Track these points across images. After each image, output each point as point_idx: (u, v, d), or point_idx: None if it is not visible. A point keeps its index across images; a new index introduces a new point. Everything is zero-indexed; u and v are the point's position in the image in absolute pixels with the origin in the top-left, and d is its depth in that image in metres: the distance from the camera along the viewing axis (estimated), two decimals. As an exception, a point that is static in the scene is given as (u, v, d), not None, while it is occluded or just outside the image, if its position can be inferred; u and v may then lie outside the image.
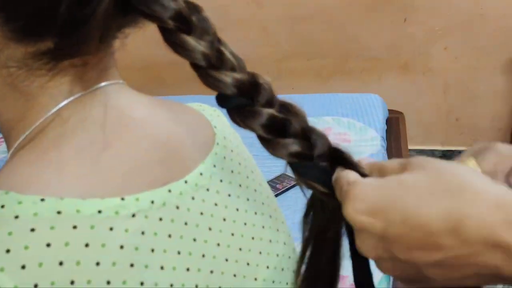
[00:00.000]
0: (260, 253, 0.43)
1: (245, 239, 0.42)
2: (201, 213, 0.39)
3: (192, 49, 0.35)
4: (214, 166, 0.43)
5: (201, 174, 0.41)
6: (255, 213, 0.44)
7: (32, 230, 0.31)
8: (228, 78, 0.36)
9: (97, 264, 0.32)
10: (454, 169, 0.31)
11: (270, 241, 0.45)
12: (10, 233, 0.31)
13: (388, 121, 1.99)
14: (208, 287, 0.37)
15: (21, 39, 0.34)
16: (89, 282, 0.32)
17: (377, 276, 1.04)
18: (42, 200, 0.32)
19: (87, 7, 0.32)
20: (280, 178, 1.43)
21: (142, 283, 0.33)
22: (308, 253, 0.42)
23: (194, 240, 0.38)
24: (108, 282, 0.32)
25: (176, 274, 0.36)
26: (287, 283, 0.45)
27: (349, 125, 1.72)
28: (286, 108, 0.38)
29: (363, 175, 0.36)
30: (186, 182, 0.39)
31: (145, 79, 2.74)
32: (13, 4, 0.33)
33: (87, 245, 0.32)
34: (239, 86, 0.36)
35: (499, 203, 0.28)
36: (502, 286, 0.37)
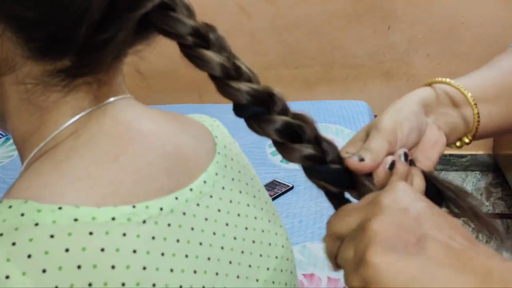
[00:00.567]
0: (261, 255, 0.46)
1: (246, 243, 0.45)
2: (206, 219, 0.42)
3: (211, 61, 0.38)
4: (216, 174, 0.45)
5: (204, 182, 0.44)
6: (255, 217, 0.47)
7: (52, 236, 0.33)
8: (245, 87, 0.39)
9: (113, 267, 0.35)
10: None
11: (270, 244, 0.47)
12: (31, 240, 0.33)
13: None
14: (215, 280, 0.40)
15: (40, 58, 0.37)
16: (105, 284, 0.34)
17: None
18: (60, 208, 0.35)
19: (106, 31, 0.35)
20: (271, 184, 1.45)
21: (154, 285, 0.36)
22: None
23: (200, 244, 0.41)
24: (123, 284, 0.35)
25: (184, 276, 0.38)
26: (285, 284, 0.48)
27: (337, 131, 1.76)
28: (299, 117, 0.40)
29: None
30: (191, 190, 0.42)
31: (133, 85, 2.75)
32: (35, 24, 0.35)
33: (102, 249, 0.35)
34: (255, 95, 0.39)
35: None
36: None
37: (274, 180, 1.47)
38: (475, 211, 0.40)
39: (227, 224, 0.44)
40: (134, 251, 0.36)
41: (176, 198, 0.40)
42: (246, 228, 0.46)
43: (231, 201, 0.45)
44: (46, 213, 0.34)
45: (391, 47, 2.43)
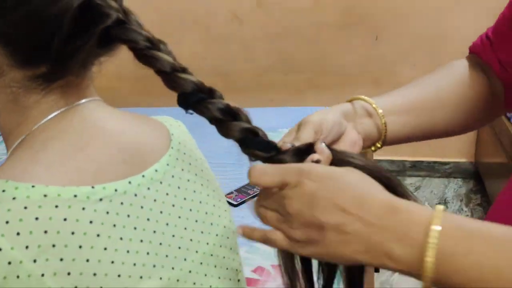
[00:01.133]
0: (202, 232, 0.55)
1: (190, 221, 0.54)
2: (155, 200, 0.52)
3: (162, 59, 0.48)
4: (168, 164, 0.55)
5: (156, 170, 0.53)
6: (200, 202, 0.57)
7: (25, 207, 0.43)
8: (190, 77, 0.48)
9: (72, 233, 0.44)
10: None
11: (212, 224, 0.57)
12: (9, 210, 0.43)
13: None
14: (157, 254, 0.49)
15: (22, 66, 0.46)
16: (66, 246, 0.43)
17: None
18: (33, 186, 0.44)
19: (75, 43, 0.45)
20: (242, 189, 1.52)
21: (105, 248, 0.45)
22: None
23: (148, 220, 0.50)
24: (80, 247, 0.44)
25: (131, 244, 0.48)
26: (223, 257, 0.57)
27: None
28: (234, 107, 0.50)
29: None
30: (143, 176, 0.51)
31: (132, 89, 2.85)
32: (18, 40, 0.45)
33: (65, 219, 0.44)
34: (198, 84, 0.48)
35: (392, 202, 0.41)
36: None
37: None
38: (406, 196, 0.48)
39: (173, 205, 0.53)
40: (91, 222, 0.45)
41: (130, 182, 0.50)
42: (191, 210, 0.55)
43: (179, 187, 0.55)
44: (22, 190, 0.44)
45: (378, 56, 2.52)
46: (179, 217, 0.53)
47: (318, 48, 2.61)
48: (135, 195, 0.50)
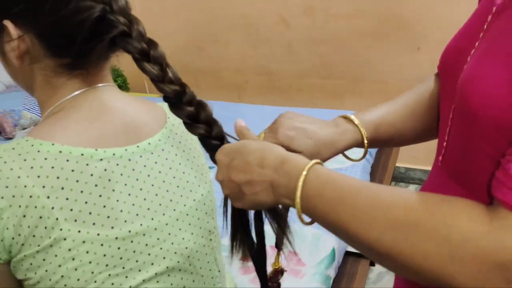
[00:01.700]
0: (181, 196, 0.70)
1: (172, 186, 0.69)
2: (144, 166, 0.67)
3: (148, 71, 0.63)
4: (160, 140, 0.70)
5: (149, 143, 0.68)
6: (183, 172, 0.72)
7: (45, 159, 0.60)
8: (167, 88, 0.63)
9: (77, 181, 0.60)
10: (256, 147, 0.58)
11: (191, 191, 0.72)
12: (34, 159, 0.59)
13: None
14: (141, 207, 0.65)
15: (53, 56, 0.63)
16: (71, 189, 0.60)
17: (327, 250, 1.27)
18: (53, 144, 0.61)
19: (90, 45, 0.61)
20: None
21: (100, 196, 0.61)
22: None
23: (137, 179, 0.66)
24: (81, 191, 0.60)
25: (121, 195, 0.63)
26: (198, 218, 0.72)
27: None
28: (201, 105, 0.64)
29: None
30: (138, 146, 0.67)
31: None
32: (51, 37, 0.62)
33: (72, 170, 0.60)
34: (173, 92, 0.63)
35: (283, 156, 0.54)
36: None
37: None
38: None
39: (159, 172, 0.68)
40: (91, 175, 0.61)
41: (126, 150, 0.65)
42: (174, 177, 0.70)
43: (166, 159, 0.70)
44: (44, 146, 0.60)
45: (417, 65, 2.57)
46: (163, 181, 0.69)
47: (358, 55, 2.70)
48: (129, 159, 0.66)
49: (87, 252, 0.60)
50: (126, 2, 0.65)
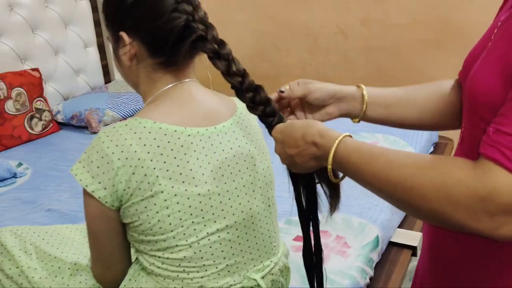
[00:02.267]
0: (247, 168, 0.89)
1: (240, 159, 0.88)
2: (220, 142, 0.86)
3: (219, 66, 0.82)
4: (231, 124, 0.89)
5: (223, 126, 0.88)
6: (249, 150, 0.90)
7: (149, 132, 0.80)
8: (231, 79, 0.81)
9: (171, 150, 0.80)
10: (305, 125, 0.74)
11: (255, 165, 0.90)
12: (141, 132, 0.80)
13: (436, 146, 2.29)
14: (217, 173, 0.84)
15: (151, 56, 0.85)
16: (167, 155, 0.80)
17: (371, 237, 1.41)
18: (154, 122, 0.81)
19: (177, 47, 0.82)
20: None
21: (188, 162, 0.81)
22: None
23: (214, 152, 0.85)
24: (175, 157, 0.80)
25: (203, 162, 0.83)
26: (260, 187, 0.90)
27: (394, 142, 2.07)
28: (257, 90, 0.82)
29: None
30: (215, 128, 0.86)
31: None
32: (151, 43, 0.83)
33: (168, 142, 0.81)
34: (236, 82, 0.81)
35: (320, 132, 0.71)
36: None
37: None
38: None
39: (231, 148, 0.87)
40: (181, 146, 0.81)
41: (206, 129, 0.85)
42: (242, 153, 0.89)
43: (236, 138, 0.89)
44: (148, 123, 0.81)
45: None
46: (233, 156, 0.88)
47: (414, 62, 2.79)
48: (208, 137, 0.85)
49: (177, 203, 0.80)
50: (205, 12, 0.85)
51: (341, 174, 0.73)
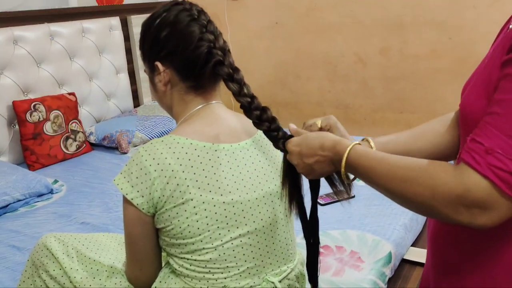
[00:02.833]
0: (267, 181, 0.99)
1: (260, 173, 0.99)
2: (243, 157, 0.98)
3: (231, 88, 0.93)
4: (253, 142, 1.01)
5: (246, 143, 0.99)
6: (268, 165, 1.01)
7: (182, 147, 0.93)
8: (242, 99, 0.92)
9: (200, 162, 0.92)
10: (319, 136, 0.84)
11: (267, 181, 1.00)
12: (175, 147, 0.92)
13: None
14: (240, 183, 0.94)
15: (184, 81, 0.98)
16: (197, 167, 0.91)
17: (384, 252, 1.49)
18: (186, 139, 0.94)
19: (202, 71, 0.94)
20: (330, 194, 1.87)
21: (214, 173, 0.92)
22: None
23: (238, 166, 0.96)
24: (203, 169, 0.92)
25: (226, 174, 0.94)
26: (278, 198, 1.00)
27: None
28: (264, 109, 0.93)
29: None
30: (239, 144, 0.98)
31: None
32: (182, 70, 0.96)
33: (198, 156, 0.92)
34: (246, 102, 0.92)
35: (335, 141, 0.81)
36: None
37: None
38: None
39: (252, 163, 0.98)
40: (209, 159, 0.93)
41: (231, 146, 0.97)
42: (262, 167, 1.00)
43: (257, 155, 1.00)
44: (181, 140, 0.93)
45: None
46: (255, 169, 0.99)
47: (433, 91, 2.88)
48: (233, 152, 0.97)
49: (205, 210, 0.91)
50: (224, 41, 0.99)
51: (352, 176, 0.83)
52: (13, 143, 2.43)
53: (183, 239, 0.93)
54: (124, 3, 3.16)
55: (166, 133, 2.74)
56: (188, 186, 0.91)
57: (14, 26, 2.45)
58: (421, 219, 1.76)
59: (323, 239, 1.56)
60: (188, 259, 0.94)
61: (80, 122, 2.64)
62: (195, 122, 0.98)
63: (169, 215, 0.92)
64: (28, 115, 2.38)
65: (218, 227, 0.93)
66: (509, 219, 0.64)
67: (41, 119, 2.42)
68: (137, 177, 0.92)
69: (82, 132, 2.62)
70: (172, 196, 0.91)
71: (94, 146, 2.69)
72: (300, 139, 0.86)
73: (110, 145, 2.62)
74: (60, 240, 1.16)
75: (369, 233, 1.59)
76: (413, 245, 1.70)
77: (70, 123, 2.56)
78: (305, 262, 0.99)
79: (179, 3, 1.01)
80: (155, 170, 0.91)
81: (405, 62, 2.92)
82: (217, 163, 0.94)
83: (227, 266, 0.94)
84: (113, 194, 2.04)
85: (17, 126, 2.42)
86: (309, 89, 3.31)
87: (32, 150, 2.38)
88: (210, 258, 0.93)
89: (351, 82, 3.14)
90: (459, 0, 2.70)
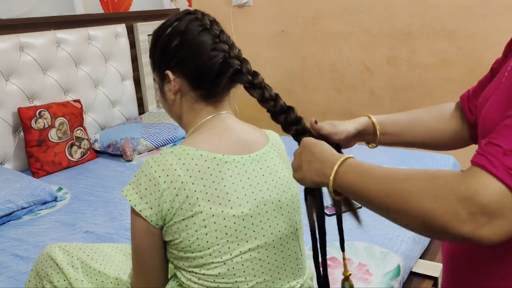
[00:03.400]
0: (277, 193, 0.97)
1: (273, 182, 0.97)
2: (253, 170, 0.95)
3: (254, 94, 0.92)
4: (264, 153, 0.99)
5: (256, 154, 0.97)
6: (284, 175, 0.99)
7: (192, 158, 0.91)
8: (266, 104, 0.91)
9: (211, 174, 0.90)
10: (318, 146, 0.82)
11: (289, 188, 0.99)
12: (185, 158, 0.90)
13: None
14: (253, 192, 0.92)
15: (193, 90, 0.96)
16: (206, 179, 0.89)
17: (392, 265, 1.46)
18: (196, 150, 0.92)
19: (216, 81, 0.93)
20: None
21: (225, 185, 0.90)
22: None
23: (248, 178, 0.94)
24: (213, 181, 0.90)
25: (237, 186, 0.92)
26: (288, 212, 0.98)
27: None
28: (289, 111, 0.91)
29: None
30: (249, 156, 0.96)
31: (273, 122, 3.40)
32: (192, 79, 0.95)
33: (208, 167, 0.90)
34: (270, 106, 0.91)
35: (333, 157, 0.78)
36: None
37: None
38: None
39: (263, 175, 0.96)
40: (220, 171, 0.91)
41: (242, 157, 0.95)
42: (272, 180, 0.97)
43: (268, 166, 0.98)
44: (191, 150, 0.91)
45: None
46: (265, 182, 0.97)
47: (440, 102, 2.84)
48: (243, 164, 0.95)
49: (214, 223, 0.89)
50: (239, 50, 0.98)
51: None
52: (18, 150, 2.42)
53: (192, 253, 0.91)
54: (130, 10, 3.16)
55: (171, 141, 2.75)
56: (197, 198, 0.89)
57: (20, 33, 2.45)
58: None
59: (330, 250, 1.53)
60: (196, 273, 0.92)
61: (85, 129, 2.63)
62: (205, 133, 0.96)
63: (177, 228, 0.90)
64: (33, 122, 2.37)
65: (227, 240, 0.91)
66: None
67: (46, 126, 2.41)
68: (146, 188, 0.90)
69: (87, 139, 2.61)
70: (181, 208, 0.89)
71: (99, 153, 2.68)
72: (305, 140, 0.84)
73: (115, 153, 2.60)
74: (65, 251, 1.14)
75: (377, 245, 1.56)
76: (422, 257, 1.67)
77: (75, 130, 2.55)
78: (314, 277, 0.97)
79: (191, 13, 0.99)
80: (164, 182, 0.89)
81: (413, 72, 2.91)
82: (227, 175, 0.92)
83: (236, 281, 0.92)
84: (117, 203, 2.02)
85: (22, 133, 2.41)
86: (315, 98, 3.29)
87: (37, 157, 2.37)
88: (219, 273, 0.91)
89: (358, 91, 3.12)
90: (469, 9, 2.68)
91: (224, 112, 0.99)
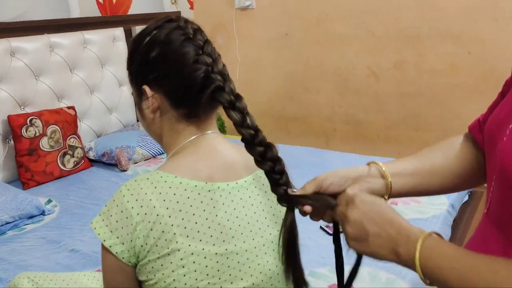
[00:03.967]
0: (268, 226, 0.86)
1: (261, 217, 0.85)
2: (241, 198, 0.84)
3: (233, 117, 0.81)
4: (253, 179, 0.87)
5: (245, 181, 0.86)
6: (271, 207, 0.87)
7: (170, 187, 0.79)
8: (244, 131, 0.80)
9: (191, 206, 0.79)
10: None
11: (276, 222, 0.87)
12: (162, 187, 0.79)
13: (471, 194, 2.19)
14: (236, 230, 0.81)
15: (174, 108, 0.84)
16: (186, 212, 0.78)
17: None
18: (175, 177, 0.80)
19: (198, 97, 0.81)
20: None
21: (207, 219, 0.79)
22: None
23: (234, 209, 0.83)
24: (193, 214, 0.78)
25: (221, 219, 0.80)
26: (273, 250, 0.86)
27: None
28: (269, 146, 0.80)
29: None
30: (236, 183, 0.84)
31: (275, 127, 3.29)
32: (173, 97, 0.83)
33: (188, 197, 0.79)
34: (249, 135, 0.80)
35: (401, 226, 0.68)
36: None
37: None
38: None
39: (252, 204, 0.85)
40: (201, 202, 0.79)
41: (227, 184, 0.83)
42: (263, 210, 0.86)
43: (258, 194, 0.86)
44: (169, 178, 0.80)
45: None
46: (254, 212, 0.85)
47: (449, 109, 2.73)
48: (229, 192, 0.83)
49: (194, 262, 0.78)
50: (223, 65, 0.86)
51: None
52: (8, 159, 2.33)
53: (168, 295, 0.79)
54: (129, 13, 3.06)
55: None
56: (175, 233, 0.77)
57: (11, 37, 2.36)
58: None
59: (331, 276, 1.42)
60: None
61: (79, 137, 2.53)
62: (187, 157, 0.85)
63: (152, 267, 0.78)
64: (23, 130, 2.27)
65: (208, 282, 0.79)
66: None
67: (37, 134, 2.31)
68: (117, 221, 0.79)
69: (80, 147, 2.51)
70: (156, 245, 0.77)
71: (93, 162, 2.57)
72: (365, 196, 0.73)
73: (109, 162, 2.50)
74: (34, 282, 1.03)
75: (383, 271, 1.44)
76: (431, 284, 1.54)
77: (68, 138, 2.45)
78: None
79: (173, 20, 0.88)
80: (137, 214, 0.77)
81: (421, 77, 2.78)
82: (210, 206, 0.81)
83: (219, 327, 0.81)
84: (108, 217, 1.91)
85: (12, 142, 2.31)
86: (319, 102, 3.17)
87: (27, 167, 2.27)
88: None
89: (363, 96, 2.99)
90: (479, 13, 2.55)
91: (209, 132, 0.88)
